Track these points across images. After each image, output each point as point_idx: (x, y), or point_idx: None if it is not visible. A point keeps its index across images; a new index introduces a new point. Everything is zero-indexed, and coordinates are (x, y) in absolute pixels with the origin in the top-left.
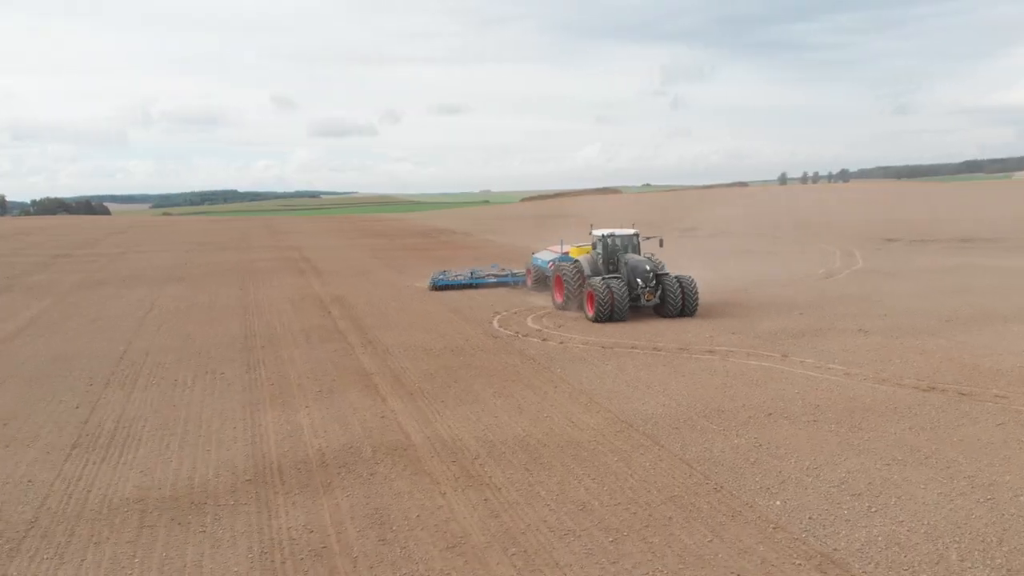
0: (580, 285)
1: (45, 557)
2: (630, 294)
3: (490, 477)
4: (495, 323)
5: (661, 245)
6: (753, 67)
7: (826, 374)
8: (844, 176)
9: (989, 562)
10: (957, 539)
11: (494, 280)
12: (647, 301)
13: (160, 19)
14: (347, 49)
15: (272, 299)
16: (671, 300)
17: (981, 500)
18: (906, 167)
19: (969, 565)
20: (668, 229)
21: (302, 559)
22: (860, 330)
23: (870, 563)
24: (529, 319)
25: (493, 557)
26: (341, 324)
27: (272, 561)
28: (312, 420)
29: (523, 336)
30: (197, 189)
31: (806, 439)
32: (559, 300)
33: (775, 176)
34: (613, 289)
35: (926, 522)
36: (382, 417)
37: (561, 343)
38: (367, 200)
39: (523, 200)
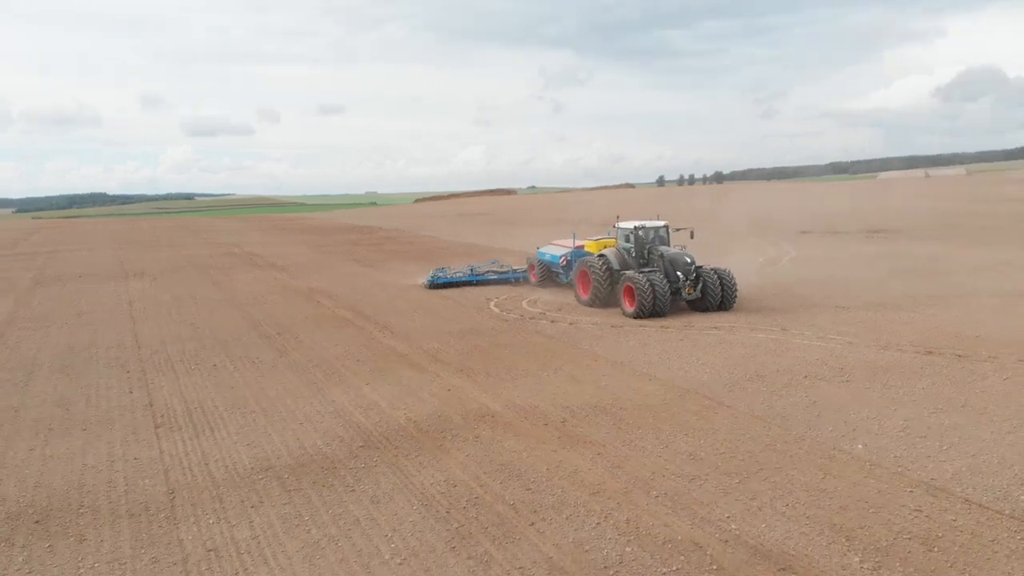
0: (609, 280)
1: (211, 522)
2: (670, 288)
3: (589, 436)
4: (493, 307)
5: (692, 236)
6: (628, 73)
7: (831, 343)
8: (718, 178)
9: None
10: None
11: (495, 276)
12: (687, 295)
13: (17, 15)
14: (222, 47)
15: (253, 292)
16: (711, 293)
17: None
18: (776, 169)
19: None
20: (587, 226)
21: (464, 508)
22: (838, 307)
23: (968, 487)
24: (524, 303)
25: (639, 499)
26: (342, 313)
27: (438, 511)
28: (381, 395)
29: (529, 319)
30: (64, 192)
31: (850, 396)
32: (584, 297)
33: (653, 179)
34: (655, 284)
35: (995, 455)
36: (448, 390)
37: (571, 324)
38: (246, 202)
39: (417, 201)
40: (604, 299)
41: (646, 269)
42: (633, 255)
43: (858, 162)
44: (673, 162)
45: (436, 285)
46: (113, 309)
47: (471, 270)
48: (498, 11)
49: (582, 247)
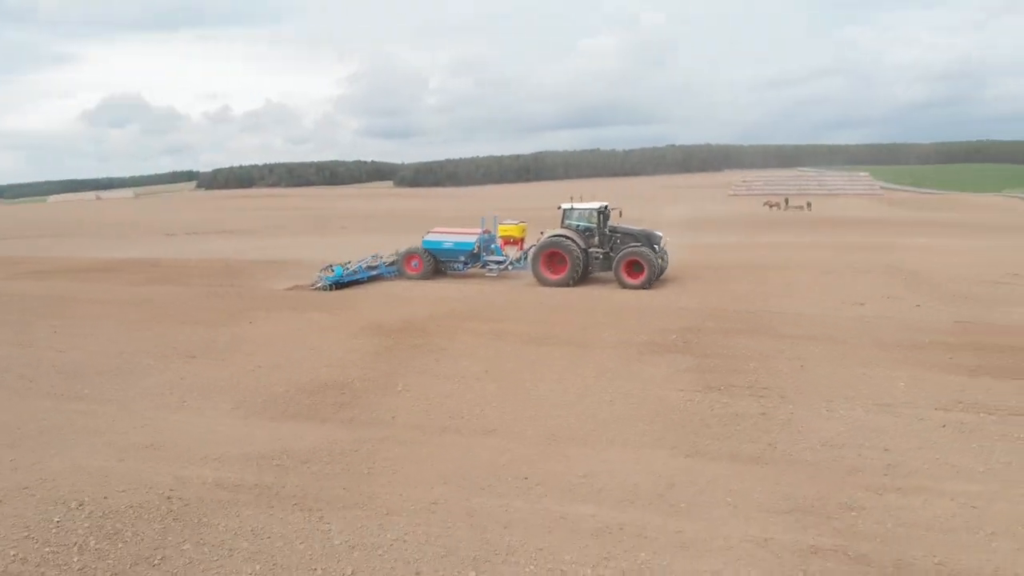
0: (584, 258)
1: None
2: None
3: (572, 306)
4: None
5: (620, 215)
6: None
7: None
8: None
9: None
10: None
11: (375, 272)
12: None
13: None
14: None
15: None
16: (665, 263)
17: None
18: None
19: None
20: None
21: (637, 319)
22: None
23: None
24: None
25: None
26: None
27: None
28: (369, 316)
29: (314, 287)
30: None
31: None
32: (555, 277)
33: None
34: (653, 257)
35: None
36: (427, 303)
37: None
38: None
39: None
40: (580, 277)
41: (635, 245)
42: (604, 233)
43: (12, 186)
44: None
45: (341, 284)
46: None
47: (360, 266)
48: None
49: (488, 232)
